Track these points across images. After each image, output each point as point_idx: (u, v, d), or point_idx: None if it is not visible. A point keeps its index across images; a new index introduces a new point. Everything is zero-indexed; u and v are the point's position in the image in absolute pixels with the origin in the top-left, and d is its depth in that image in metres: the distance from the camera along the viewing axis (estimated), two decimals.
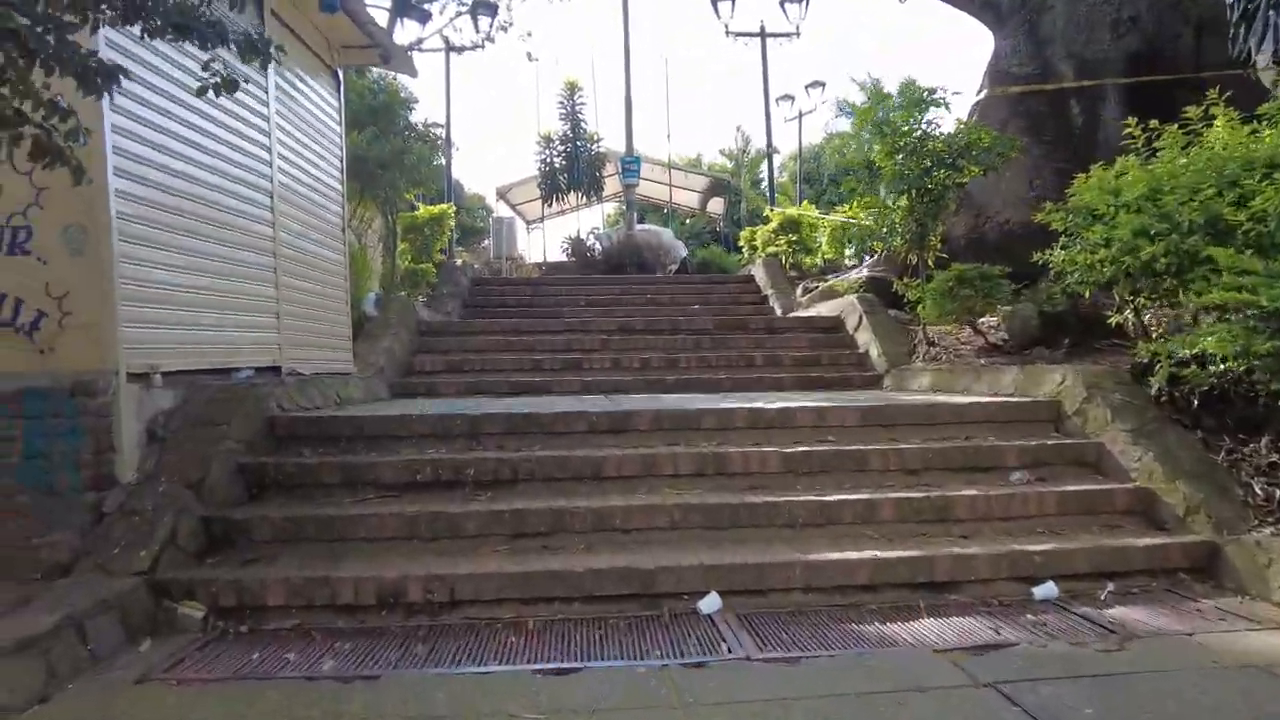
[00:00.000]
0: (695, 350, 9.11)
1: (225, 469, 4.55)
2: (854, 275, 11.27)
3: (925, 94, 8.33)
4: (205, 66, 3.14)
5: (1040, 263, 6.88)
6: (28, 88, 2.77)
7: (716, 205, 26.56)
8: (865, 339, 9.01)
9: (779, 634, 3.59)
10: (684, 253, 19.50)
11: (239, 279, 5.73)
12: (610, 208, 31.59)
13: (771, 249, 14.78)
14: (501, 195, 25.01)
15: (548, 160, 23.80)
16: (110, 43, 4.18)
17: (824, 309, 10.55)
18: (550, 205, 24.44)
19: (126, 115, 4.51)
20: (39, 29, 2.58)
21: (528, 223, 27.11)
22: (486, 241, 25.63)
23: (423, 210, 12.33)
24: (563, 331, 9.71)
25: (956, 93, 8.69)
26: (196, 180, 5.22)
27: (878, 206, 9.16)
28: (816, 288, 12.29)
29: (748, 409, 5.35)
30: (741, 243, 16.73)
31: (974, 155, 8.30)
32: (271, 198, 6.23)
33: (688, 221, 29.56)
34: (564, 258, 21.17)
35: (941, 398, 6.34)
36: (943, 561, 4.04)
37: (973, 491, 4.61)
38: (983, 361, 7.80)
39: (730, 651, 3.41)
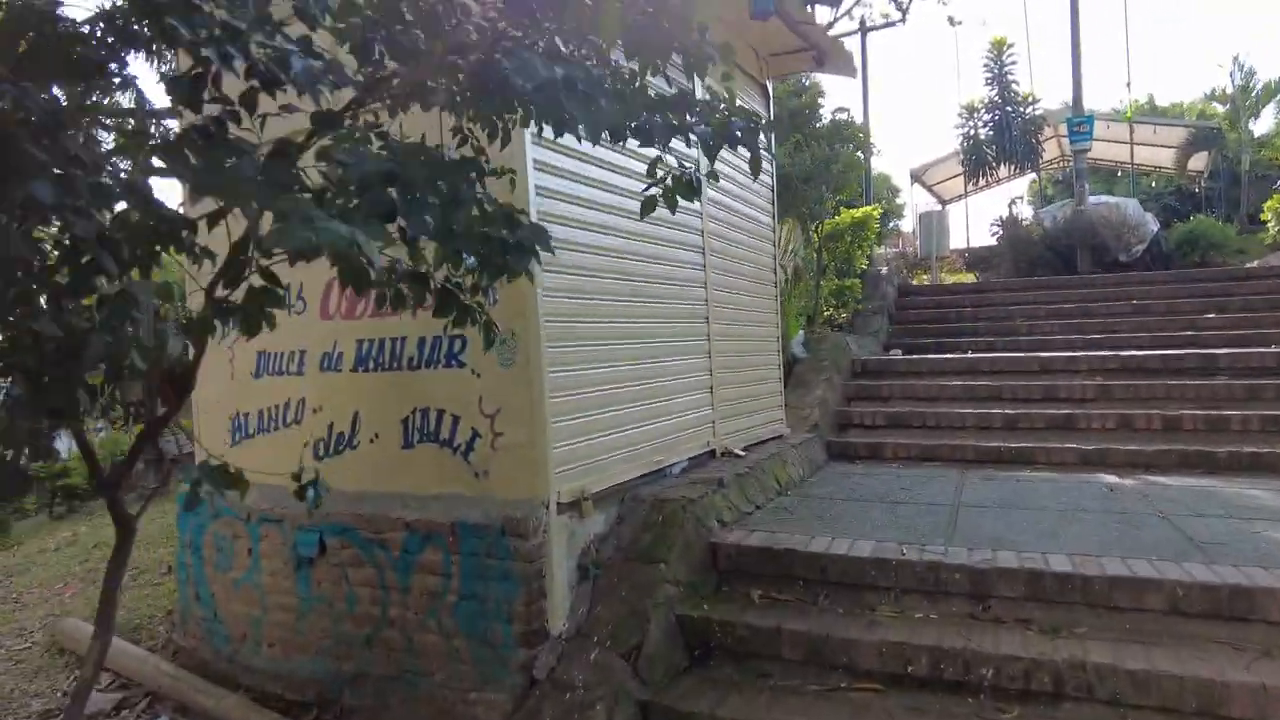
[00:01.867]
0: (1250, 403, 6.39)
1: (663, 626, 3.67)
2: None
3: None
4: (650, 171, 2.14)
5: None
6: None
7: (1199, 162, 20.87)
8: None
9: None
10: (1155, 228, 15.36)
11: (670, 357, 4.90)
12: (1039, 176, 26.92)
13: None
14: (916, 177, 22.52)
15: (971, 132, 20.76)
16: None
17: None
18: (976, 182, 21.37)
19: (549, 196, 3.83)
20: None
21: (943, 202, 24.22)
22: (893, 224, 23.55)
23: (844, 215, 10.95)
24: (1036, 371, 7.59)
25: None
26: (622, 254, 4.45)
27: None
28: None
29: None
30: (1266, 216, 12.44)
31: None
32: (702, 253, 5.34)
33: (1152, 184, 23.91)
34: (992, 240, 18.17)
35: None
36: None
37: None
38: None
39: None
